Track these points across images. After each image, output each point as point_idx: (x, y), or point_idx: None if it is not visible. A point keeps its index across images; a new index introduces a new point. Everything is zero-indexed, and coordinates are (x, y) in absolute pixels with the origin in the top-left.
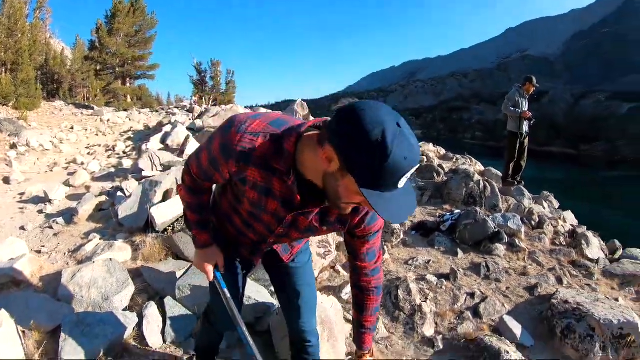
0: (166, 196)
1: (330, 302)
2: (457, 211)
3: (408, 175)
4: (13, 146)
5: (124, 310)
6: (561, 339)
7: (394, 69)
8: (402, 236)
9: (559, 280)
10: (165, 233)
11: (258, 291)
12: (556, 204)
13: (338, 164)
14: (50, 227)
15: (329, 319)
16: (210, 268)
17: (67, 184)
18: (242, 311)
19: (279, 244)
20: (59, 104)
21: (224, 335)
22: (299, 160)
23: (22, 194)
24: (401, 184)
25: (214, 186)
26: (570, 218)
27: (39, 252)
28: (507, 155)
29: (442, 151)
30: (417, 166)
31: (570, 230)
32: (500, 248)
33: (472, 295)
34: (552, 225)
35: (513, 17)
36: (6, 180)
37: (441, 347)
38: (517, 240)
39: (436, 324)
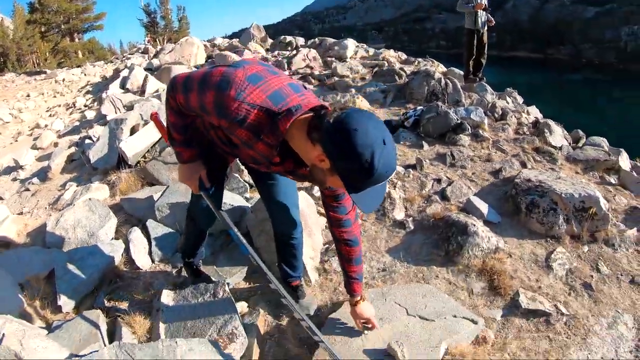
0: (133, 132)
1: (302, 196)
2: (419, 107)
3: (381, 178)
4: None
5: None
6: (526, 214)
7: None
8: None
9: (523, 165)
10: (138, 165)
11: (232, 197)
12: (520, 100)
13: (329, 165)
14: (27, 190)
15: (302, 211)
16: (195, 181)
17: (34, 147)
18: (219, 218)
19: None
20: (10, 76)
21: (207, 245)
22: (289, 137)
23: None
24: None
25: None
26: (534, 112)
27: (20, 213)
28: (465, 52)
29: (404, 56)
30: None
31: (533, 121)
32: (465, 138)
33: (438, 180)
34: (515, 117)
35: None
36: None
37: (412, 227)
38: (480, 131)
39: (406, 208)
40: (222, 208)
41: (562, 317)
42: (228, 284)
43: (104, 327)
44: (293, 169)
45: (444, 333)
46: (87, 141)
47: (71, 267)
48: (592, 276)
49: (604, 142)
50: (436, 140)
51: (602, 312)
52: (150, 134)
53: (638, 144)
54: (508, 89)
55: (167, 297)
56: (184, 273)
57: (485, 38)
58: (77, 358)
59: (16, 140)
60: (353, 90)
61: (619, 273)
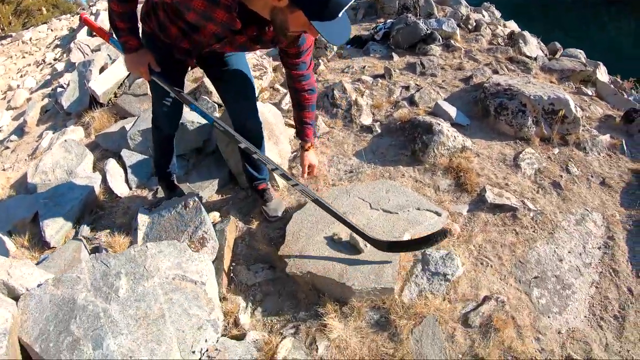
0: (102, 72)
1: (268, 108)
2: (389, 20)
3: (346, 7)
4: None
5: None
6: (495, 116)
7: None
8: (335, 50)
9: (495, 73)
10: (110, 103)
11: (193, 113)
12: (498, 14)
13: (287, 1)
14: (7, 148)
15: (268, 121)
16: (145, 68)
17: (9, 108)
18: (188, 139)
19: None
20: None
21: (179, 165)
22: None
23: None
24: (340, 14)
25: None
26: (512, 26)
27: (3, 170)
28: None
29: None
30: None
31: (509, 32)
32: (435, 49)
33: (407, 87)
34: (490, 29)
35: None
36: None
37: (379, 131)
38: (452, 41)
39: (373, 114)
40: (190, 127)
41: (529, 212)
42: (200, 196)
43: (86, 252)
44: (258, 33)
45: (407, 224)
46: (59, 89)
47: (52, 204)
48: (561, 176)
49: (581, 54)
50: (406, 52)
51: (570, 210)
52: (119, 71)
53: (620, 67)
54: (485, 3)
55: (143, 215)
56: (159, 195)
57: None
58: (59, 276)
59: None
60: None
61: (589, 174)
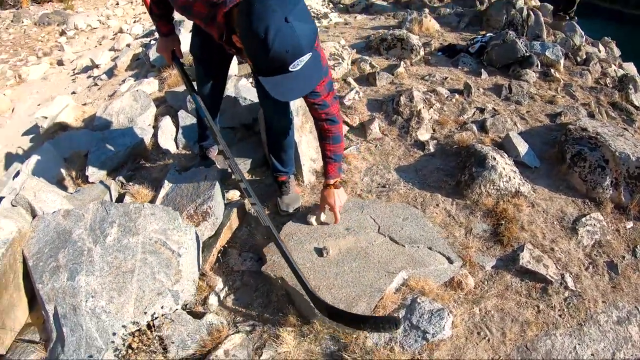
0: None
1: None
2: (489, 34)
3: (297, 63)
4: (62, 33)
5: None
6: (569, 165)
7: None
8: (422, 54)
9: (591, 116)
10: (189, 63)
11: (252, 90)
12: (617, 52)
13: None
14: (96, 84)
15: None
16: (168, 54)
17: (112, 49)
18: (239, 113)
19: None
20: None
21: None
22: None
23: (75, 69)
24: (293, 68)
25: None
26: (630, 69)
27: (84, 104)
28: None
29: None
30: (304, 55)
31: (622, 75)
32: (531, 74)
33: (482, 110)
34: (601, 66)
35: None
36: (60, 63)
37: (432, 150)
38: (552, 70)
39: (433, 130)
40: (243, 103)
41: (564, 291)
42: (229, 174)
43: (114, 194)
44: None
45: (409, 262)
46: (152, 42)
47: (103, 144)
48: (623, 257)
49: None
50: (498, 71)
51: (616, 302)
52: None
53: None
54: (606, 37)
55: (171, 176)
56: (194, 167)
57: None
58: (69, 209)
59: (100, 44)
60: (427, 10)
61: None
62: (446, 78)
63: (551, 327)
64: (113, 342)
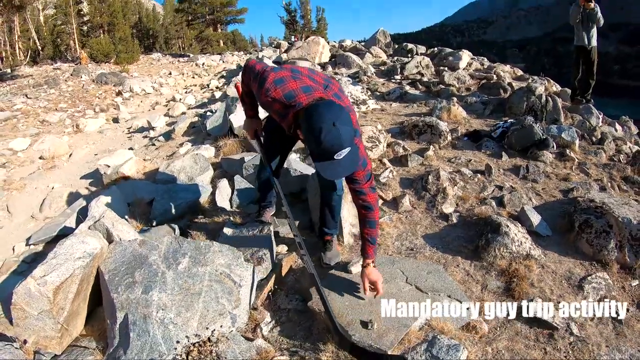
0: None
1: None
2: (510, 120)
3: (340, 153)
4: (119, 93)
5: None
6: (578, 233)
7: None
8: (449, 139)
9: (602, 190)
10: (242, 135)
11: (304, 167)
12: (634, 130)
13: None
14: (153, 144)
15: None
16: (251, 131)
17: (167, 115)
18: (289, 182)
19: None
20: (157, 55)
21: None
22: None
23: (130, 127)
24: (337, 157)
25: None
26: None
27: (144, 159)
28: (572, 70)
29: (519, 72)
30: (345, 149)
31: (636, 152)
32: (548, 155)
33: (500, 187)
34: (615, 144)
35: None
36: (115, 120)
37: (455, 221)
38: (568, 151)
39: (457, 204)
40: (293, 174)
41: (569, 337)
42: (276, 230)
43: (175, 235)
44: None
45: (430, 305)
46: (208, 113)
47: (167, 196)
48: (627, 310)
49: None
50: (518, 154)
51: (620, 347)
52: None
53: None
54: (623, 116)
55: (228, 228)
56: (251, 222)
57: (594, 56)
58: (145, 239)
59: (153, 109)
60: (455, 99)
61: None
62: (470, 160)
63: None
64: (175, 349)
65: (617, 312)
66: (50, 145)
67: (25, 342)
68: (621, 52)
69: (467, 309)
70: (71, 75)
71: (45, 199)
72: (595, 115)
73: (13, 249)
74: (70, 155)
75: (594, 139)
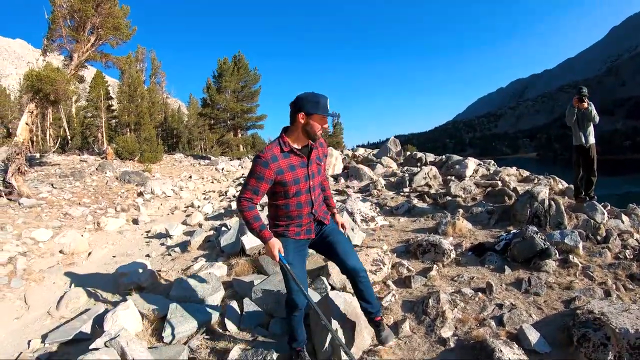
0: None
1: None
2: (513, 231)
3: (327, 104)
4: (140, 194)
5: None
6: (576, 347)
7: (501, 91)
8: (453, 256)
9: (607, 294)
10: (254, 256)
11: (314, 295)
12: None
13: (305, 117)
14: (169, 255)
15: (356, 314)
16: (276, 253)
17: (184, 223)
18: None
19: (319, 210)
20: (179, 156)
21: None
22: (292, 140)
23: (148, 231)
24: (329, 110)
25: (266, 213)
26: None
27: (159, 271)
28: (574, 170)
29: (525, 173)
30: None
31: None
32: (551, 264)
33: (501, 306)
34: (621, 239)
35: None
36: (135, 222)
37: (452, 346)
38: (571, 256)
39: (456, 327)
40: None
41: None
42: None
43: (185, 357)
44: (313, 154)
45: None
46: (223, 228)
47: (179, 314)
48: None
49: None
50: (521, 266)
51: None
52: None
53: None
54: (631, 205)
55: (235, 352)
56: (253, 343)
57: (593, 153)
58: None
59: (172, 213)
60: (461, 211)
61: None
62: (472, 278)
63: None
64: None
65: None
66: (71, 241)
67: None
68: (629, 127)
69: None
70: (96, 169)
71: (62, 298)
72: (600, 211)
73: (29, 344)
74: (89, 254)
75: (599, 237)
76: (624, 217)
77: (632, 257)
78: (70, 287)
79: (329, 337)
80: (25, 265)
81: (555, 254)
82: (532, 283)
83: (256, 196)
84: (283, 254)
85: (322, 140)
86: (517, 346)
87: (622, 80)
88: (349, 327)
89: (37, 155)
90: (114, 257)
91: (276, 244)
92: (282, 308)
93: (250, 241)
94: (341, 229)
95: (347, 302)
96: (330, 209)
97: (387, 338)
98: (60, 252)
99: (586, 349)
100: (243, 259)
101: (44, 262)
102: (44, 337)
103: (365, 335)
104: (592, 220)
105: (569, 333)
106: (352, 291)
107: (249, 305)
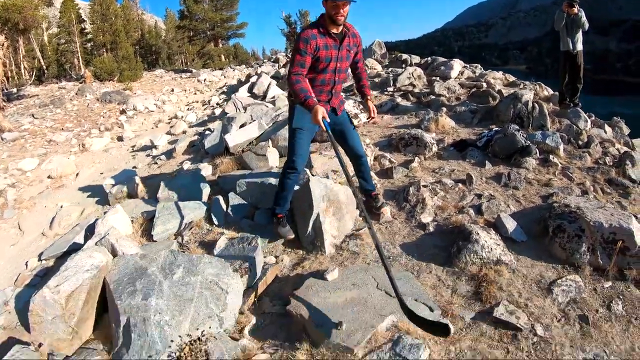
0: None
1: (344, 190)
2: (495, 128)
3: None
4: (122, 112)
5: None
6: (551, 237)
7: (491, 0)
8: (435, 150)
9: (584, 194)
10: (237, 154)
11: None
12: (626, 131)
13: (324, 3)
14: (156, 163)
15: (340, 200)
16: (320, 118)
17: (169, 133)
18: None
19: (336, 96)
20: (159, 72)
21: (263, 215)
22: (327, 24)
23: (134, 146)
24: None
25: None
26: (638, 145)
27: (146, 178)
28: (560, 75)
29: (512, 78)
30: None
31: (624, 152)
32: (531, 161)
33: (480, 196)
34: (602, 146)
35: None
36: (120, 139)
37: (431, 230)
38: (552, 157)
39: (435, 214)
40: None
41: (533, 337)
42: (265, 240)
43: (175, 247)
44: (345, 41)
45: (398, 308)
46: (207, 132)
47: (167, 212)
48: (597, 311)
49: None
50: (501, 162)
51: (584, 347)
52: (253, 131)
53: None
54: (615, 117)
55: (222, 241)
56: (239, 233)
57: (580, 61)
58: (146, 253)
59: (157, 126)
60: (444, 109)
61: (634, 316)
62: (453, 170)
63: None
64: (170, 347)
65: (584, 314)
66: (57, 165)
67: (40, 345)
68: (623, 50)
69: (432, 310)
70: (76, 94)
71: (54, 217)
72: (583, 118)
73: (26, 264)
74: (77, 175)
75: (580, 142)
76: (607, 128)
77: (612, 164)
78: (61, 207)
79: (312, 221)
80: (15, 195)
81: (536, 152)
82: (512, 177)
83: (303, 69)
84: (327, 120)
85: (356, 32)
86: (494, 232)
87: (619, 4)
88: (332, 210)
89: (14, 90)
90: (101, 174)
91: (320, 110)
92: (267, 199)
93: (234, 139)
94: (370, 114)
95: (329, 187)
96: (365, 96)
97: (383, 205)
98: (49, 177)
99: (561, 239)
100: (227, 158)
101: (33, 189)
102: (40, 256)
103: (347, 220)
104: (574, 126)
105: (545, 224)
106: (333, 178)
107: (234, 199)
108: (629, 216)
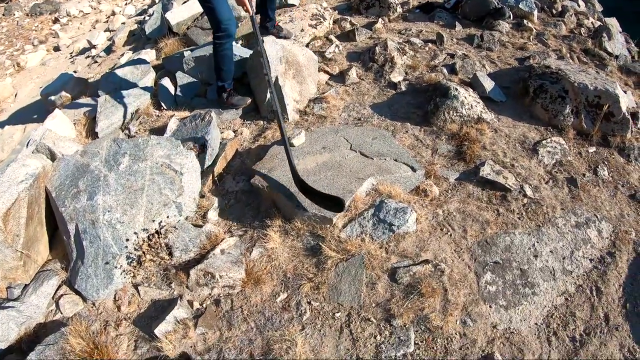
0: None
1: (304, 52)
2: None
3: None
4: (55, 21)
5: None
6: (532, 98)
7: None
8: (399, 11)
9: (560, 59)
10: (182, 32)
11: (242, 50)
12: (599, 8)
13: None
14: (95, 62)
15: (299, 62)
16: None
17: (107, 30)
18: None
19: None
20: None
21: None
22: None
23: (72, 52)
24: None
25: None
26: (613, 24)
27: (87, 79)
28: None
29: None
30: None
31: (599, 26)
32: (504, 25)
33: (453, 55)
34: (577, 17)
35: None
36: (57, 49)
37: (403, 89)
38: (525, 21)
39: (406, 73)
40: (234, 59)
41: (523, 198)
42: (219, 112)
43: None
44: None
45: (377, 170)
46: (147, 18)
47: (109, 105)
48: (584, 175)
49: None
50: (472, 24)
51: (575, 210)
52: (196, 6)
53: None
54: None
55: (172, 123)
56: (194, 112)
57: None
58: (85, 148)
59: (94, 28)
60: None
61: (620, 183)
62: (421, 31)
63: (510, 227)
64: (126, 247)
65: (572, 177)
66: None
67: None
68: None
69: (414, 170)
70: (3, 15)
71: None
72: None
73: None
74: (15, 96)
75: (554, 11)
76: (580, 2)
77: (587, 35)
78: (1, 133)
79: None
80: None
81: (510, 16)
82: (485, 39)
83: None
84: None
85: None
86: (472, 90)
87: None
88: (292, 73)
89: None
90: (40, 87)
91: None
92: None
93: (176, 16)
94: None
95: (286, 48)
96: None
97: (287, 33)
98: None
99: (543, 100)
100: (172, 39)
101: None
102: None
103: (310, 83)
104: None
105: (524, 84)
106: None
107: (183, 78)
108: (614, 82)
